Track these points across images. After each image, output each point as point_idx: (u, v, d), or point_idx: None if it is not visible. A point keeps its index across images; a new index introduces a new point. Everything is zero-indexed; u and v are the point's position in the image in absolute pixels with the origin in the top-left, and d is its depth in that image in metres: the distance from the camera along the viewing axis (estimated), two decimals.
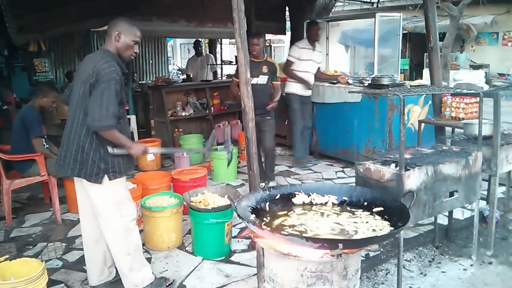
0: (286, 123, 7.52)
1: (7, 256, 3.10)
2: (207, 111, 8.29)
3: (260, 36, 5.61)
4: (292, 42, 9.62)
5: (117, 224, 3.11)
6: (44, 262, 2.98)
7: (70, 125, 3.05)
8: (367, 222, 2.46)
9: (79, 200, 3.27)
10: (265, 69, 5.56)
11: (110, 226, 3.12)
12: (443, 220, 4.21)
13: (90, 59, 3.07)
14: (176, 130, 7.56)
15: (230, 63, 16.26)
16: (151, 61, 13.68)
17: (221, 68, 14.75)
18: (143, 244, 3.80)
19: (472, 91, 4.35)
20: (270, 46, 16.85)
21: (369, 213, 2.59)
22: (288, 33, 10.24)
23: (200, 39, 10.07)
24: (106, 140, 2.96)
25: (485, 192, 4.49)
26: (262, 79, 5.54)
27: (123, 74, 3.10)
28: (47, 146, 4.76)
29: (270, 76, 5.58)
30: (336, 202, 2.75)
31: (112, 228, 3.12)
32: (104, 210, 3.09)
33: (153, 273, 3.33)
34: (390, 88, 5.26)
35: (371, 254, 3.84)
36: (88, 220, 3.24)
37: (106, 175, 3.02)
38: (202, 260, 3.86)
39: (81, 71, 3.05)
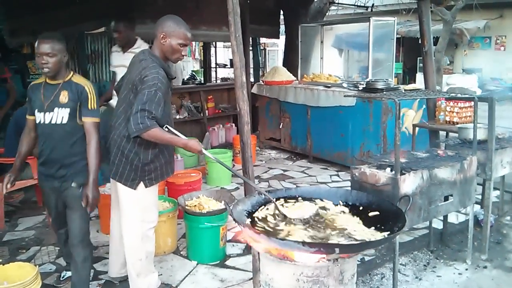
0: (281, 126, 7.53)
1: (0, 260, 3.07)
2: (202, 114, 8.28)
3: (55, 40, 2.90)
4: (286, 46, 9.69)
5: (137, 229, 3.10)
6: (37, 266, 2.96)
7: (114, 126, 3.03)
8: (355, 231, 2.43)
9: (113, 196, 3.28)
10: (64, 97, 2.96)
11: (130, 229, 3.12)
12: (438, 224, 4.21)
13: (137, 63, 2.94)
14: None
15: (224, 66, 16.30)
16: None
17: (216, 71, 14.77)
18: None
19: (467, 96, 4.37)
20: (265, 49, 16.84)
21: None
22: (282, 37, 10.28)
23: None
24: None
25: (480, 196, 4.50)
26: (59, 114, 2.96)
27: (170, 80, 3.00)
28: None
29: (73, 109, 2.97)
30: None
31: (131, 232, 3.12)
32: (129, 213, 3.09)
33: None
34: (384, 92, 5.27)
35: (367, 258, 3.84)
36: (119, 216, 3.23)
37: (142, 182, 3.01)
38: (197, 264, 3.84)
39: (131, 73, 2.96)
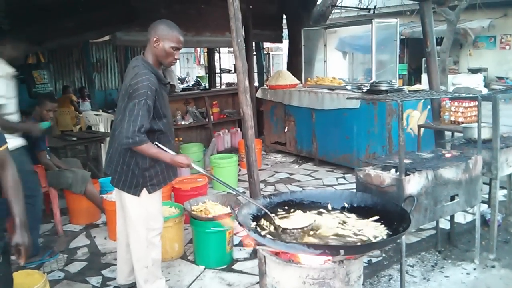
0: (286, 130, 7.55)
1: None
2: (207, 120, 8.31)
3: None
4: (290, 50, 9.72)
5: (142, 236, 3.12)
6: (46, 274, 2.99)
7: (115, 136, 3.06)
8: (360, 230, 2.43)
9: (118, 204, 3.30)
10: None
11: (135, 237, 3.14)
12: (445, 224, 4.20)
13: (130, 70, 2.97)
14: (176, 139, 7.56)
15: (229, 71, 16.35)
16: None
17: (220, 77, 14.83)
18: None
19: (471, 95, 4.37)
20: (269, 54, 16.88)
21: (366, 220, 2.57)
22: (286, 41, 10.30)
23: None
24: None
25: (486, 196, 4.48)
26: None
27: (164, 85, 3.04)
28: (49, 158, 4.77)
29: None
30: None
31: (137, 239, 3.13)
32: (134, 220, 3.10)
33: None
34: (388, 94, 5.27)
35: (374, 260, 3.83)
36: (124, 224, 3.26)
37: (145, 188, 3.03)
38: (204, 269, 3.85)
39: (124, 81, 3.01)
